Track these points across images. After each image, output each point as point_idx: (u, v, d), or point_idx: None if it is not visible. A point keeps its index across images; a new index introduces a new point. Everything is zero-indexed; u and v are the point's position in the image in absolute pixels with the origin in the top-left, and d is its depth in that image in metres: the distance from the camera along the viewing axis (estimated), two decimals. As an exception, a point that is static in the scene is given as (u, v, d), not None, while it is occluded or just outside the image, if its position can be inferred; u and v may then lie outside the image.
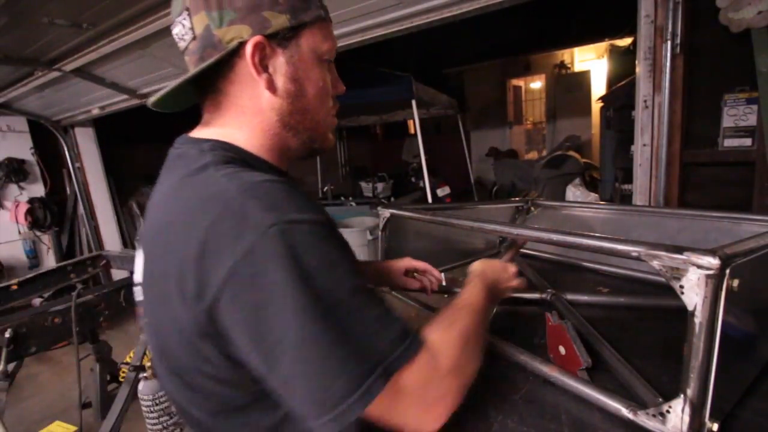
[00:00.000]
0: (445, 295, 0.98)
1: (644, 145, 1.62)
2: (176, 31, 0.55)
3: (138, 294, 0.59)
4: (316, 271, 0.41)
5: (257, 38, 0.51)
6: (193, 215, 0.45)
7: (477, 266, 0.73)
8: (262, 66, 0.53)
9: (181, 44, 0.55)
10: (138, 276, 0.58)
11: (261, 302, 0.40)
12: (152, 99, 0.57)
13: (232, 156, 0.53)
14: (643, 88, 1.58)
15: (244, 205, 0.42)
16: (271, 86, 0.54)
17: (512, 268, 0.77)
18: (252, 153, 0.56)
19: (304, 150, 0.61)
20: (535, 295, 1.00)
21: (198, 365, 0.47)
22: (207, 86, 0.56)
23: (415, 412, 0.45)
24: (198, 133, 0.58)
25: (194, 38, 0.53)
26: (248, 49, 0.51)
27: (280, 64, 0.54)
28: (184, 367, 0.49)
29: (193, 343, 0.46)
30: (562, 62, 7.33)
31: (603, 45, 6.11)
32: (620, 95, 3.00)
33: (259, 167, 0.53)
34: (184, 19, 0.53)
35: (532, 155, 7.77)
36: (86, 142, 4.18)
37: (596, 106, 5.53)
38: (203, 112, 0.59)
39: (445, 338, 0.51)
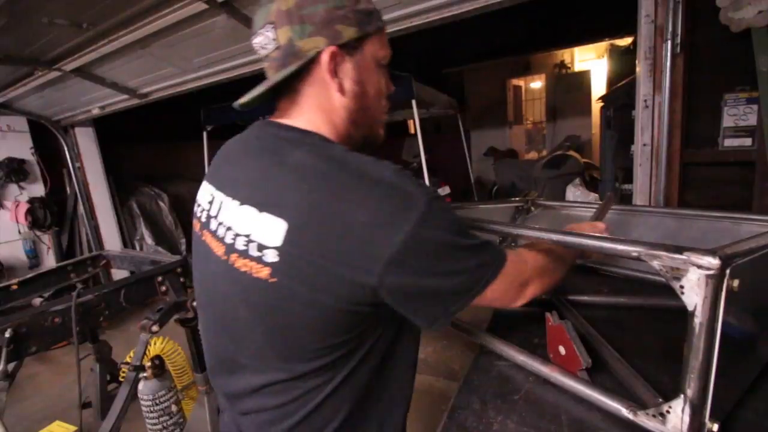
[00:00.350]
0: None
1: (644, 145, 1.62)
2: (258, 40, 0.63)
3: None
4: (458, 224, 0.58)
5: (332, 48, 0.61)
6: (356, 194, 0.53)
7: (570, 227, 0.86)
8: (334, 71, 0.62)
9: (262, 52, 0.64)
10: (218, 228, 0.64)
11: (438, 252, 0.54)
12: (243, 100, 0.65)
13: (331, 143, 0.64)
14: (643, 88, 1.58)
15: (404, 185, 0.54)
16: (341, 88, 0.64)
17: (600, 225, 0.88)
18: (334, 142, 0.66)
19: (360, 141, 0.70)
20: (535, 295, 1.00)
21: (323, 331, 0.56)
22: (284, 87, 0.65)
23: (507, 292, 0.66)
24: (283, 121, 0.67)
25: (278, 48, 0.61)
26: (324, 57, 0.61)
27: (348, 69, 0.64)
28: (296, 326, 0.57)
29: (338, 307, 0.54)
30: (562, 62, 7.32)
31: (603, 45, 6.11)
32: (620, 95, 3.00)
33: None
34: (268, 30, 0.61)
35: (532, 155, 7.77)
36: (86, 142, 4.18)
37: (596, 106, 5.53)
38: (278, 107, 0.68)
39: (520, 264, 0.68)
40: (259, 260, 0.55)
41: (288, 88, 0.65)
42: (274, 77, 0.62)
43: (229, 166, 0.68)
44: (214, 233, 0.64)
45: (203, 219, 0.68)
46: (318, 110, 0.65)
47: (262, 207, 0.57)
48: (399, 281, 0.52)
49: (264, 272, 0.55)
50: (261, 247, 0.55)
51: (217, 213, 0.64)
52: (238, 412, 0.68)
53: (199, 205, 0.71)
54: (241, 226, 0.58)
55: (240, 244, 0.58)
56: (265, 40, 0.62)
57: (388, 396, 0.66)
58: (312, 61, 0.61)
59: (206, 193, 0.69)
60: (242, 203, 0.60)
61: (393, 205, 0.52)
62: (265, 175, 0.59)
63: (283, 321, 0.57)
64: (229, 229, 0.60)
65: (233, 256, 0.59)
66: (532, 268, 0.70)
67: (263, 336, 0.60)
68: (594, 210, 1.26)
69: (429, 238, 0.53)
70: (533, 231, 0.73)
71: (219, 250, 0.62)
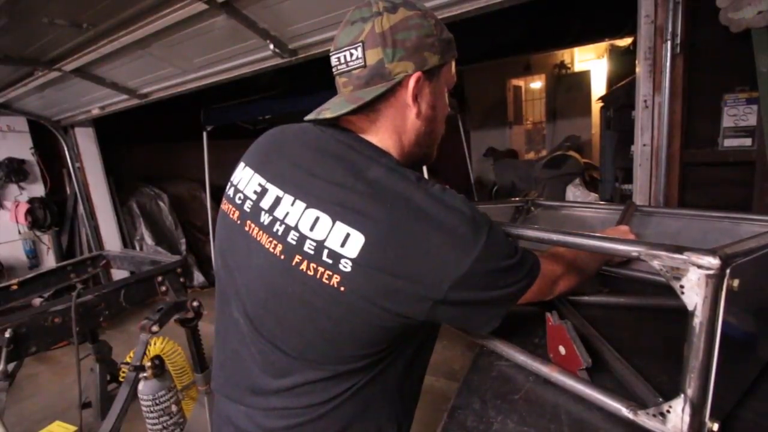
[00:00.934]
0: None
1: (644, 145, 1.62)
2: (341, 56, 0.66)
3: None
4: (510, 246, 0.64)
5: (418, 74, 0.65)
6: (433, 218, 0.57)
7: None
8: (416, 96, 0.66)
9: (341, 68, 0.67)
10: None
11: (498, 272, 0.61)
12: (328, 115, 0.66)
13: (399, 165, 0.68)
14: (643, 88, 1.58)
15: (473, 213, 0.59)
16: (419, 112, 0.68)
17: (623, 228, 0.98)
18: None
19: (418, 162, 0.74)
20: (535, 295, 1.00)
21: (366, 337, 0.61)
22: (365, 105, 0.66)
23: (541, 289, 0.73)
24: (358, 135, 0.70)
25: (364, 66, 0.64)
26: (411, 82, 0.65)
27: (426, 94, 0.68)
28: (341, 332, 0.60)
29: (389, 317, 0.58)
30: (562, 62, 7.32)
31: (603, 45, 6.10)
32: (620, 95, 3.00)
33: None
34: (356, 49, 0.64)
35: (531, 156, 7.77)
36: (86, 142, 4.18)
37: (596, 106, 5.53)
38: (351, 120, 0.69)
39: (551, 265, 0.76)
40: (331, 267, 0.57)
41: (369, 107, 0.67)
42: (361, 94, 0.65)
43: (286, 161, 0.67)
44: (265, 228, 0.63)
45: (247, 209, 0.67)
46: (392, 131, 0.68)
47: (337, 216, 0.58)
48: (462, 296, 0.58)
49: (335, 280, 0.57)
50: (335, 255, 0.57)
51: (272, 208, 0.64)
52: (260, 408, 0.68)
53: (238, 192, 0.70)
54: (310, 230, 0.59)
55: (308, 247, 0.59)
56: (349, 58, 0.65)
57: (408, 394, 0.73)
58: (398, 84, 0.65)
59: (253, 182, 0.68)
60: (310, 206, 0.60)
61: (465, 231, 0.57)
62: (342, 185, 0.60)
63: (339, 327, 0.60)
64: (291, 228, 0.61)
65: (298, 257, 0.59)
66: (563, 268, 0.78)
67: (313, 336, 0.61)
68: (594, 210, 1.27)
69: (492, 260, 0.59)
70: (533, 231, 0.73)
71: (273, 246, 0.62)
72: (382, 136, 0.68)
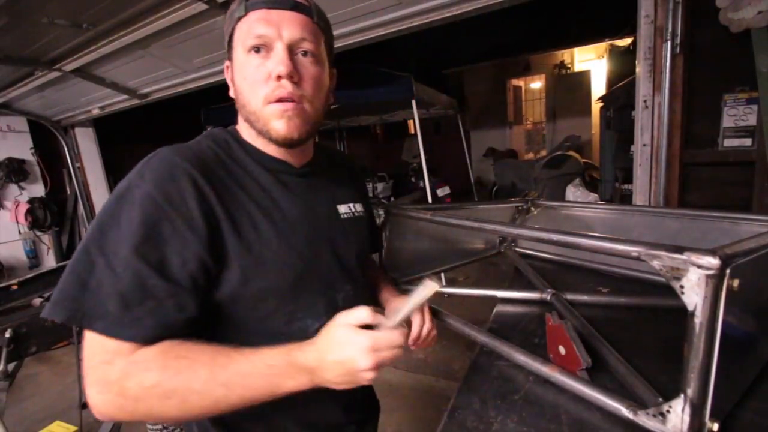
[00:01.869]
0: (446, 296, 0.97)
1: (644, 145, 1.62)
2: None
3: None
4: (104, 220, 0.53)
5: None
6: None
7: (324, 344, 0.54)
8: (227, 68, 0.66)
9: None
10: None
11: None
12: None
13: (226, 138, 0.67)
14: (643, 88, 1.58)
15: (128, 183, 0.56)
16: (233, 84, 0.66)
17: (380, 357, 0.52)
18: (245, 140, 0.67)
19: (267, 138, 0.65)
20: (535, 295, 1.00)
21: None
22: None
23: (90, 380, 0.51)
24: None
25: None
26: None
27: (232, 68, 0.65)
28: None
29: None
30: (562, 62, 7.33)
31: (603, 45, 6.12)
32: (620, 95, 3.00)
33: (246, 152, 0.66)
34: None
35: (530, 156, 7.78)
36: (86, 142, 4.18)
37: (596, 106, 5.53)
38: None
39: (150, 375, 0.49)
40: None
41: None
42: None
43: None
44: None
45: None
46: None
47: None
48: None
49: None
50: None
51: None
52: None
53: None
54: None
55: None
56: None
57: None
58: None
59: None
60: None
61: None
62: None
63: None
64: None
65: None
66: (165, 379, 0.49)
67: None
68: (594, 210, 1.26)
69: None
70: (533, 231, 0.73)
71: None
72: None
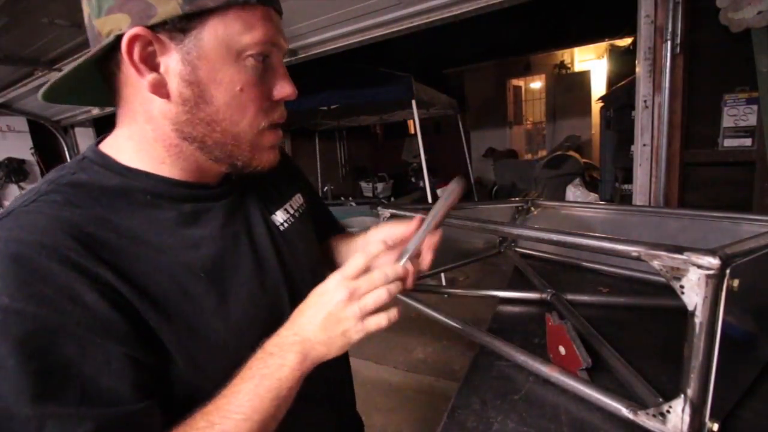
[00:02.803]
0: (446, 296, 0.97)
1: (644, 145, 1.62)
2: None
3: None
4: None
5: (135, 30, 0.41)
6: None
7: (312, 303, 0.48)
8: (149, 65, 0.43)
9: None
10: None
11: None
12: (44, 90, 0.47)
13: (88, 179, 0.45)
14: (643, 88, 1.58)
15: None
16: (160, 90, 0.44)
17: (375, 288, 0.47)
18: (136, 169, 0.47)
19: (226, 167, 0.50)
20: (535, 295, 1.00)
21: None
22: (109, 88, 0.48)
23: None
24: (106, 139, 0.51)
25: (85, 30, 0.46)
26: (123, 44, 0.41)
27: (174, 62, 0.43)
28: None
29: None
30: (562, 62, 7.33)
31: (603, 45, 6.12)
32: (620, 95, 3.01)
33: (139, 188, 0.46)
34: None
35: (530, 156, 7.78)
36: (86, 142, 4.18)
37: (596, 106, 5.53)
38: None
39: None
40: None
41: (111, 90, 0.48)
42: (67, 69, 0.45)
43: None
44: None
45: None
46: (132, 121, 0.47)
47: None
48: None
49: None
50: None
51: None
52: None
53: None
54: None
55: None
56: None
57: None
58: (116, 50, 0.42)
59: None
60: None
61: None
62: None
63: None
64: None
65: None
66: None
67: None
68: (594, 210, 1.26)
69: None
70: (533, 231, 0.73)
71: None
72: (120, 130, 0.49)
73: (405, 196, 5.88)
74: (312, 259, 0.64)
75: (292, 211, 0.63)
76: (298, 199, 0.67)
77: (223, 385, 0.44)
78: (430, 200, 4.09)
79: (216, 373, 0.45)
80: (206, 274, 0.46)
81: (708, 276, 0.44)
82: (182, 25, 0.42)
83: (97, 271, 0.39)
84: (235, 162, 0.49)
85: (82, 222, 0.41)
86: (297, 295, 0.55)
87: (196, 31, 0.43)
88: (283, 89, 0.48)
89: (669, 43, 1.47)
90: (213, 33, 0.43)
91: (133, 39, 0.41)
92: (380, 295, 0.46)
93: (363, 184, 6.83)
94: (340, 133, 7.86)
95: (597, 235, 0.60)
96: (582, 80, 6.98)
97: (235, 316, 0.47)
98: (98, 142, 0.51)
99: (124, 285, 0.40)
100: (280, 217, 0.61)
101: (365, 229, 0.71)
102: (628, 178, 2.29)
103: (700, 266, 0.45)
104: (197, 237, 0.48)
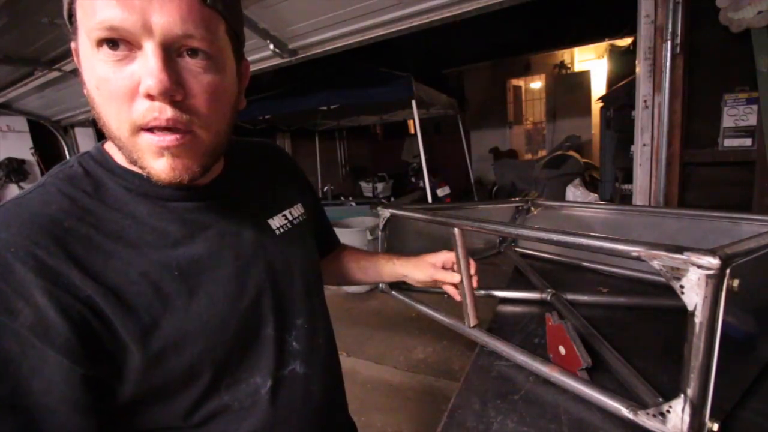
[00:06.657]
0: (446, 296, 0.97)
1: (644, 145, 1.62)
2: None
3: None
4: None
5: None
6: None
7: None
8: (75, 53, 0.42)
9: None
10: None
11: None
12: None
13: (82, 173, 0.47)
14: (643, 88, 1.58)
15: None
16: (82, 79, 0.41)
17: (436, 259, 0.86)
18: (127, 168, 0.47)
19: (132, 158, 0.43)
20: (535, 295, 1.00)
21: None
22: None
23: None
24: None
25: None
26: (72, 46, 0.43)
27: (77, 56, 0.42)
28: None
29: None
30: (562, 62, 7.33)
31: (603, 45, 6.12)
32: (620, 95, 3.00)
33: (123, 185, 0.47)
34: None
35: (529, 157, 7.78)
36: (86, 142, 4.18)
37: (596, 106, 5.53)
38: None
39: None
40: None
41: None
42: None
43: None
44: None
45: None
46: None
47: None
48: None
49: None
50: None
51: None
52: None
53: None
54: None
55: None
56: None
57: None
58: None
59: None
60: None
61: None
62: None
63: None
64: None
65: None
66: None
67: None
68: (594, 210, 1.27)
69: None
70: (533, 231, 0.73)
71: None
72: None
73: (405, 196, 5.88)
74: (305, 267, 0.62)
75: (290, 218, 0.64)
76: (298, 208, 0.67)
77: (182, 386, 0.45)
78: (430, 200, 4.09)
79: (174, 371, 0.44)
80: (181, 272, 0.46)
81: (708, 276, 0.44)
82: (71, 11, 0.40)
83: (61, 271, 0.39)
84: (140, 168, 0.44)
85: (64, 216, 0.42)
86: (282, 300, 0.56)
87: (73, 18, 0.40)
88: (144, 82, 0.38)
89: (669, 43, 1.47)
90: (80, 18, 0.39)
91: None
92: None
93: (363, 184, 6.83)
94: (340, 133, 7.86)
95: (597, 235, 0.60)
96: (582, 80, 6.98)
97: (207, 316, 0.46)
98: (105, 141, 0.51)
99: (91, 282, 0.40)
100: (276, 221, 0.61)
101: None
102: (628, 178, 2.29)
103: (700, 266, 0.45)
104: (178, 236, 0.47)
